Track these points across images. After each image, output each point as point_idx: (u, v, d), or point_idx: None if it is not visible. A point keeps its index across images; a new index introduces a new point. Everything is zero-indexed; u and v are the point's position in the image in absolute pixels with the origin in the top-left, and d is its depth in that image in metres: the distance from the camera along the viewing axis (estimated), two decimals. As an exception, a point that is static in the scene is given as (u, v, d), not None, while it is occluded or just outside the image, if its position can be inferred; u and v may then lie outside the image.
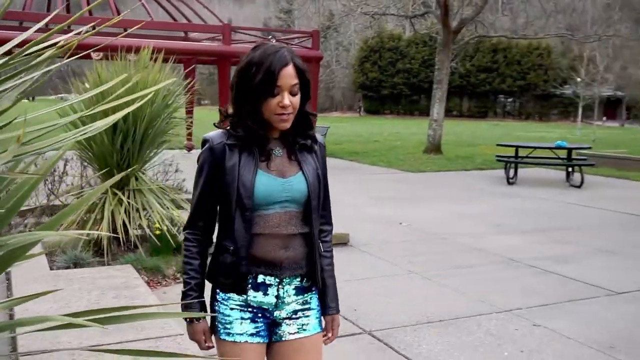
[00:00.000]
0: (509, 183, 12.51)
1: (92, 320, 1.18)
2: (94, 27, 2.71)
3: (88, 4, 16.43)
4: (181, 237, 5.90)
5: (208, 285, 2.02)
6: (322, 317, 2.07)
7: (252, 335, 1.93)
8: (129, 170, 2.59)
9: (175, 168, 7.73)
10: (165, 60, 6.11)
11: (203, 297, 1.97)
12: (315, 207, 1.95)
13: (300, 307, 1.98)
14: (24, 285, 4.28)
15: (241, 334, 1.92)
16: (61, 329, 1.39)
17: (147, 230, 5.54)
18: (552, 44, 50.58)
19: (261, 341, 1.95)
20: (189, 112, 11.50)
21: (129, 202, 5.59)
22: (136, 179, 5.88)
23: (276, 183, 1.88)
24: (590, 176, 13.18)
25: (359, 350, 3.99)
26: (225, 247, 1.91)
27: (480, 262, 6.29)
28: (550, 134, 31.73)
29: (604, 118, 46.19)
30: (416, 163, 16.15)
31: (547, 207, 9.93)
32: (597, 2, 44.65)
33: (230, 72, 16.30)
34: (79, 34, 1.64)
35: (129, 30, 2.51)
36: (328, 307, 2.07)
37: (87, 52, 2.27)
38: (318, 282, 1.99)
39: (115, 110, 1.60)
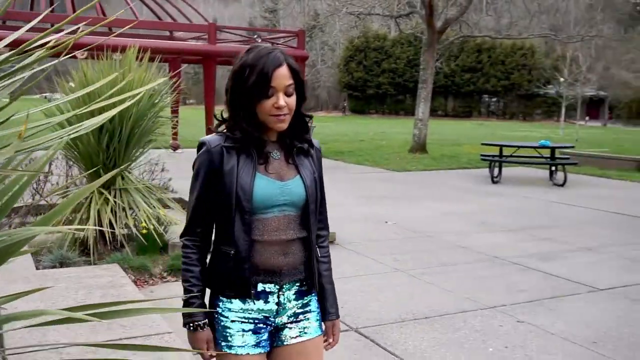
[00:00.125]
0: (494, 182, 12.62)
1: (91, 315, 1.19)
2: (81, 27, 2.71)
3: (72, 3, 16.31)
4: (168, 238, 5.91)
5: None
6: (321, 319, 2.06)
7: (253, 346, 1.91)
8: (119, 169, 2.57)
9: (161, 167, 7.71)
10: (151, 60, 6.10)
11: (206, 305, 1.94)
12: (313, 211, 1.94)
13: (300, 310, 1.98)
14: (10, 284, 4.26)
15: (242, 346, 1.90)
16: (53, 324, 1.40)
17: (134, 230, 5.54)
18: (536, 44, 51.00)
19: (262, 351, 1.93)
20: (175, 112, 11.48)
21: (115, 201, 5.58)
22: (122, 178, 5.86)
23: (275, 186, 1.87)
24: (573, 175, 13.33)
25: (346, 347, 4.02)
26: (225, 252, 1.88)
27: (466, 260, 6.36)
28: (533, 133, 32.01)
29: (587, 118, 46.63)
30: (402, 162, 16.23)
31: (531, 205, 10.03)
32: (580, 3, 45.14)
33: (216, 72, 16.28)
34: (70, 33, 1.65)
35: (120, 31, 2.52)
36: (328, 312, 2.07)
37: (74, 53, 2.28)
38: (315, 285, 1.99)
39: (102, 109, 1.62)
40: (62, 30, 1.66)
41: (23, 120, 1.47)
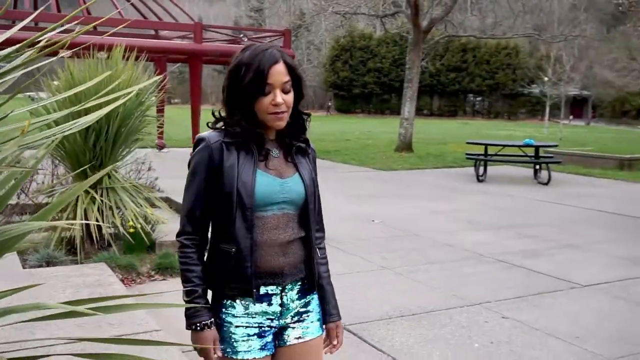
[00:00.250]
0: (479, 180, 12.72)
1: (92, 309, 1.21)
2: (69, 27, 2.72)
3: (57, 2, 16.19)
4: (156, 237, 5.91)
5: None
6: (321, 319, 2.05)
7: (259, 350, 1.89)
8: (109, 168, 2.57)
9: (148, 166, 7.71)
10: (136, 59, 6.09)
11: (210, 305, 1.89)
12: (312, 210, 1.93)
13: (303, 309, 1.97)
14: (-3, 284, 4.25)
15: (248, 351, 1.87)
16: (44, 320, 1.41)
17: (121, 229, 5.53)
18: (520, 43, 51.38)
19: (268, 354, 1.92)
20: (160, 111, 11.43)
21: (102, 200, 5.57)
22: (109, 177, 5.85)
23: (275, 183, 1.85)
24: (557, 173, 13.47)
25: (334, 344, 4.05)
26: (226, 251, 1.85)
27: (452, 258, 6.42)
28: (518, 132, 32.25)
29: (571, 117, 47.09)
30: (388, 161, 16.29)
31: (516, 203, 10.14)
32: (563, 3, 45.54)
33: (202, 71, 16.25)
34: (62, 32, 1.66)
35: (111, 32, 2.53)
36: (330, 314, 2.06)
37: (61, 53, 2.28)
38: (316, 284, 1.99)
39: (90, 109, 1.62)
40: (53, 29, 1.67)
41: (14, 118, 1.49)
